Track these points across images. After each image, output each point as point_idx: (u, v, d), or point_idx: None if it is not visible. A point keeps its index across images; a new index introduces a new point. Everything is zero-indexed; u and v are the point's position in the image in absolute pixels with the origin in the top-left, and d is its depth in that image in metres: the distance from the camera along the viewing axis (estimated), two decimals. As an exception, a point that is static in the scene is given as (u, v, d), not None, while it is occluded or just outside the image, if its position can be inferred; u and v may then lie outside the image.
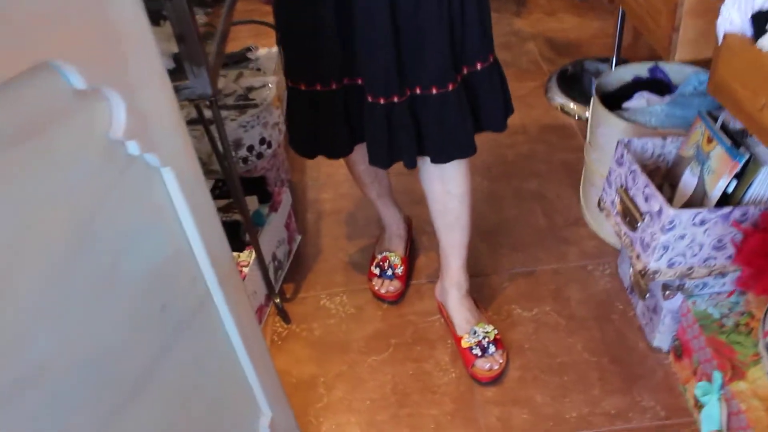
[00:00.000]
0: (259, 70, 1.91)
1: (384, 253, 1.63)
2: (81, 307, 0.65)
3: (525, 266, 1.66)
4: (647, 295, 1.40)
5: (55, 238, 0.61)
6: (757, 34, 0.99)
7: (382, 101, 1.18)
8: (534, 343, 1.46)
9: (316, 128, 1.29)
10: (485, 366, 1.39)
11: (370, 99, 1.19)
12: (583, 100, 2.25)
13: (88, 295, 0.66)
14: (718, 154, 1.19)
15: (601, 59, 2.43)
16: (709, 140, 1.22)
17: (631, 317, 1.49)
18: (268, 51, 2.05)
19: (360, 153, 1.33)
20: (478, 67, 1.20)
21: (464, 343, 1.43)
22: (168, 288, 0.84)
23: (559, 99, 2.28)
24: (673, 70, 1.67)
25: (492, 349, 1.41)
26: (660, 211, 1.16)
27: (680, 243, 1.18)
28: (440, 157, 1.26)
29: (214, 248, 0.89)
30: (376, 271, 1.61)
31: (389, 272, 1.59)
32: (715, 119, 1.27)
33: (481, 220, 1.81)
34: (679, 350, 1.33)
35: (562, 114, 2.24)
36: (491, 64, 1.21)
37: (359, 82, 1.20)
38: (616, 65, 2.10)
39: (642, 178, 1.22)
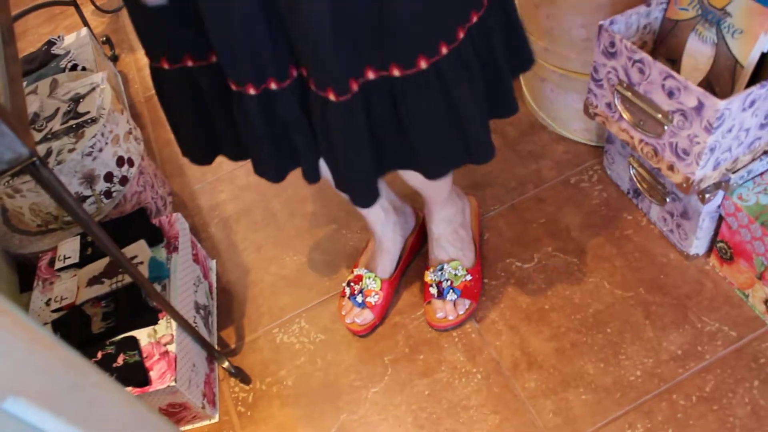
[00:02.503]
0: (75, 67, 1.40)
1: (362, 271, 1.22)
2: None
3: (498, 203, 1.35)
4: (668, 199, 1.14)
5: None
6: None
7: (252, 91, 0.74)
8: (553, 299, 1.18)
9: (203, 120, 0.85)
10: (437, 312, 1.16)
11: (234, 87, 0.76)
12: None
13: None
14: (744, 6, 0.89)
15: None
16: (720, -9, 0.92)
17: (647, 226, 1.24)
18: (76, 36, 1.52)
19: None
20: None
21: (426, 278, 1.20)
22: None
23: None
24: None
25: (451, 295, 1.15)
26: (700, 107, 0.86)
27: (727, 137, 0.90)
28: (436, 168, 0.85)
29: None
30: (347, 290, 1.22)
31: (359, 298, 1.20)
32: (709, -40, 0.96)
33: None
34: (728, 253, 1.10)
35: None
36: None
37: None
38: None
39: (657, 68, 0.91)
